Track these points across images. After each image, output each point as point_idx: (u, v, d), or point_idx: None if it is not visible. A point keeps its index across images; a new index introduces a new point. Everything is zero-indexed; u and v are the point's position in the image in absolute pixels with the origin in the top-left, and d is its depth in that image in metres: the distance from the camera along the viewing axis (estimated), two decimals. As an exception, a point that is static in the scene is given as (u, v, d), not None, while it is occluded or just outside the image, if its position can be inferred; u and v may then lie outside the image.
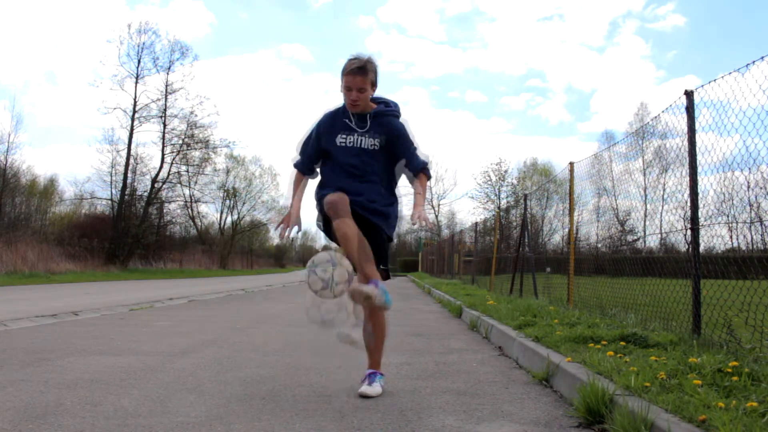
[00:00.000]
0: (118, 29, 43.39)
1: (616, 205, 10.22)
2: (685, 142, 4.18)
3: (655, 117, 5.10)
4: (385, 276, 3.06)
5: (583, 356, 3.31)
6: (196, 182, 38.41)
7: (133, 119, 31.86)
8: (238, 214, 51.45)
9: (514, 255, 10.03)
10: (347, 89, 3.01)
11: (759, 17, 57.85)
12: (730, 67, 5.20)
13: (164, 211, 35.80)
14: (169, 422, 2.44)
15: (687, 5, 65.98)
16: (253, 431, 2.35)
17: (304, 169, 3.23)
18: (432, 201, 52.43)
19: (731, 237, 4.68)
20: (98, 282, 19.09)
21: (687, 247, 4.28)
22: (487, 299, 7.98)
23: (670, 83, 63.87)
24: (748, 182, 4.08)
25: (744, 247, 5.01)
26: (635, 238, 9.03)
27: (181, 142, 34.72)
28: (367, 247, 2.88)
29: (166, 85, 33.16)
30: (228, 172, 47.42)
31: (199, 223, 47.33)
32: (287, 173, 3.36)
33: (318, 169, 3.24)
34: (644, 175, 23.55)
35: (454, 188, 70.15)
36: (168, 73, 33.09)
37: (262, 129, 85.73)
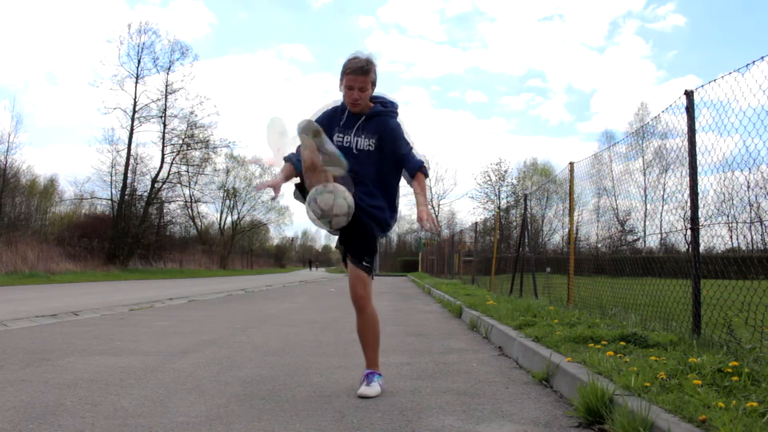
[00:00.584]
0: (118, 29, 43.46)
1: (616, 205, 10.22)
2: (685, 142, 4.18)
3: (655, 117, 5.10)
4: (368, 272, 3.08)
5: (583, 356, 3.31)
6: (196, 182, 38.44)
7: (133, 119, 31.88)
8: (238, 214, 51.46)
9: (514, 255, 10.03)
10: (348, 88, 3.01)
11: (759, 17, 57.89)
12: (730, 67, 5.20)
13: (164, 211, 35.82)
14: (169, 422, 2.44)
15: (687, 5, 66.03)
16: (253, 431, 2.35)
17: (294, 161, 3.12)
18: (432, 201, 52.46)
19: (731, 237, 4.69)
20: (98, 282, 19.09)
21: (687, 247, 4.28)
22: (487, 299, 7.98)
23: (670, 83, 63.97)
24: (748, 182, 4.08)
25: (744, 247, 5.01)
26: (635, 238, 9.04)
27: (181, 142, 34.74)
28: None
29: (166, 85, 33.19)
30: (228, 172, 47.44)
31: (199, 223, 47.35)
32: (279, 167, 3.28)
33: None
34: (644, 175, 23.55)
35: (454, 188, 70.16)
36: (168, 73, 33.13)
37: (262, 129, 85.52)
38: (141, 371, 3.54)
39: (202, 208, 45.41)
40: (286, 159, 3.16)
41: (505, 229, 14.05)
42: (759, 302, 3.36)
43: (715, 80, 3.79)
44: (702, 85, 3.99)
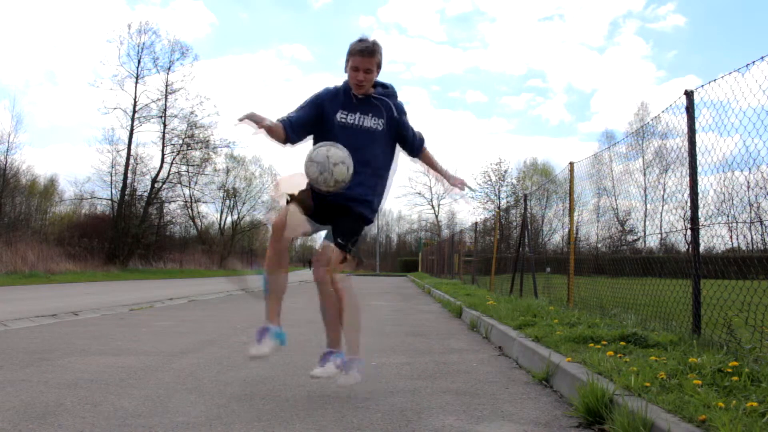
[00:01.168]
0: (118, 29, 43.33)
1: (616, 205, 10.23)
2: (685, 142, 4.18)
3: (656, 117, 5.10)
4: (344, 254, 3.03)
5: (583, 356, 3.31)
6: (196, 182, 38.43)
7: (133, 119, 31.89)
8: (238, 214, 51.44)
9: (514, 255, 10.03)
10: (354, 69, 2.99)
11: (759, 17, 57.89)
12: (730, 67, 5.20)
13: (164, 211, 35.82)
14: (169, 422, 2.44)
15: (687, 5, 66.02)
16: (253, 431, 2.35)
17: (291, 128, 2.99)
18: (432, 201, 52.47)
19: (731, 237, 4.69)
20: (98, 282, 19.09)
21: (687, 247, 4.28)
22: (487, 299, 7.98)
23: (670, 83, 63.89)
24: (748, 182, 4.08)
25: (744, 247, 5.02)
26: (635, 238, 9.04)
27: (181, 142, 34.74)
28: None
29: (166, 85, 33.20)
30: (228, 172, 47.43)
31: (199, 223, 47.34)
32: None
33: (300, 142, 3.09)
34: (644, 175, 23.57)
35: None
36: (168, 73, 33.14)
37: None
38: (141, 371, 3.54)
39: (202, 208, 45.40)
40: (280, 121, 3.01)
41: (505, 229, 14.05)
42: (759, 302, 3.36)
43: (715, 80, 3.79)
44: (702, 85, 4.00)
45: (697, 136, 4.09)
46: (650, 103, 40.13)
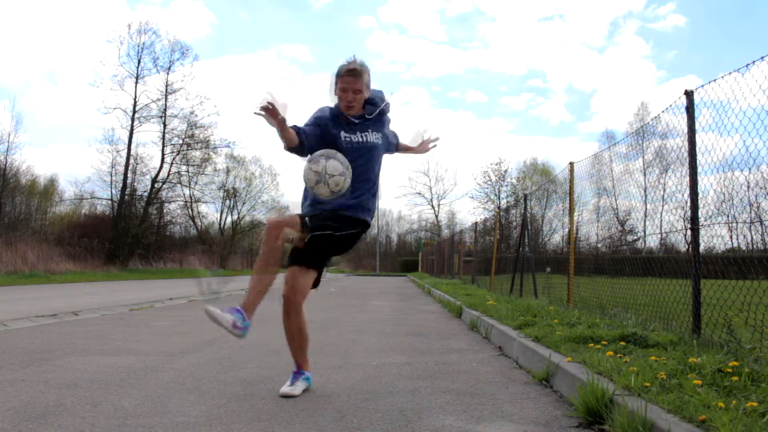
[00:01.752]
0: (118, 29, 43.20)
1: (616, 205, 10.22)
2: (685, 142, 4.18)
3: (656, 117, 5.10)
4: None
5: (583, 356, 3.31)
6: (196, 182, 38.43)
7: (133, 119, 31.88)
8: (238, 214, 51.45)
9: (514, 255, 10.03)
10: (343, 91, 3.04)
11: (759, 17, 57.84)
12: (730, 67, 5.21)
13: (164, 211, 35.80)
14: (169, 422, 2.44)
15: (687, 5, 65.93)
16: (253, 431, 2.35)
17: (306, 137, 2.99)
18: (432, 201, 52.46)
19: (731, 237, 4.69)
20: (98, 282, 19.09)
21: (687, 247, 4.28)
22: (487, 299, 7.98)
23: (670, 83, 63.79)
24: (748, 182, 4.08)
25: (744, 247, 5.02)
26: (635, 238, 9.04)
27: (181, 142, 34.73)
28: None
29: (166, 85, 33.17)
30: (228, 172, 47.44)
31: (199, 223, 47.34)
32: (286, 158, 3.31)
33: (307, 156, 3.06)
34: (644, 175, 23.53)
35: (454, 188, 69.97)
36: (168, 73, 33.11)
37: (262, 129, 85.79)
38: (141, 371, 3.54)
39: (202, 208, 45.40)
40: (294, 127, 3.00)
41: (505, 229, 14.05)
42: (759, 302, 3.36)
43: (715, 80, 3.79)
44: (702, 85, 4.00)
45: (697, 136, 4.10)
46: (650, 103, 40.13)
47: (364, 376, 3.48)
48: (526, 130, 72.12)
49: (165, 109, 33.31)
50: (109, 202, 32.73)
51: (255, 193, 50.24)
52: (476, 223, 18.20)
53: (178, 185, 36.48)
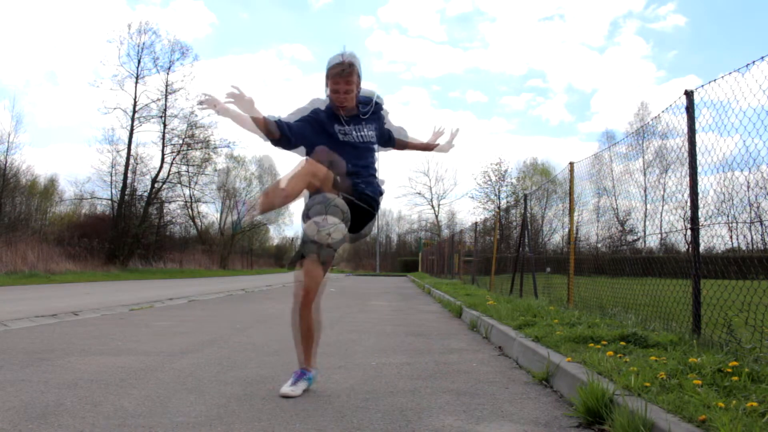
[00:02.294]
0: (118, 29, 43.06)
1: (616, 205, 10.22)
2: (685, 142, 4.18)
3: (656, 117, 5.10)
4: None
5: (583, 356, 3.31)
6: (196, 182, 38.43)
7: (133, 119, 31.86)
8: (239, 214, 51.43)
9: (514, 255, 10.03)
10: (334, 92, 3.04)
11: (759, 17, 57.86)
12: (730, 67, 5.21)
13: (164, 211, 35.79)
14: (169, 422, 2.44)
15: (687, 5, 65.94)
16: (253, 431, 2.35)
17: (289, 131, 3.00)
18: (432, 201, 52.49)
19: (731, 237, 4.69)
20: (98, 282, 19.09)
21: (687, 247, 4.28)
22: (487, 299, 7.98)
23: (670, 83, 63.82)
24: (748, 182, 4.08)
25: (744, 247, 5.02)
26: (635, 238, 9.04)
27: (181, 142, 34.73)
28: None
29: (167, 85, 33.15)
30: (228, 172, 47.47)
31: (199, 223, 47.36)
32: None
33: (294, 148, 3.11)
34: (644, 175, 23.56)
35: (454, 188, 69.99)
36: (168, 73, 33.08)
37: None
38: (141, 371, 3.54)
39: (202, 208, 45.43)
40: (275, 120, 3.00)
41: (505, 229, 14.05)
42: (759, 302, 3.36)
43: (715, 80, 3.79)
44: (702, 85, 4.00)
45: (697, 136, 4.10)
46: (650, 103, 40.14)
47: (364, 376, 3.48)
48: (526, 130, 72.13)
49: (165, 109, 33.31)
50: (109, 202, 32.74)
51: (255, 193, 50.26)
52: (476, 223, 18.20)
53: (178, 185, 36.50)
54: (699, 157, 4.05)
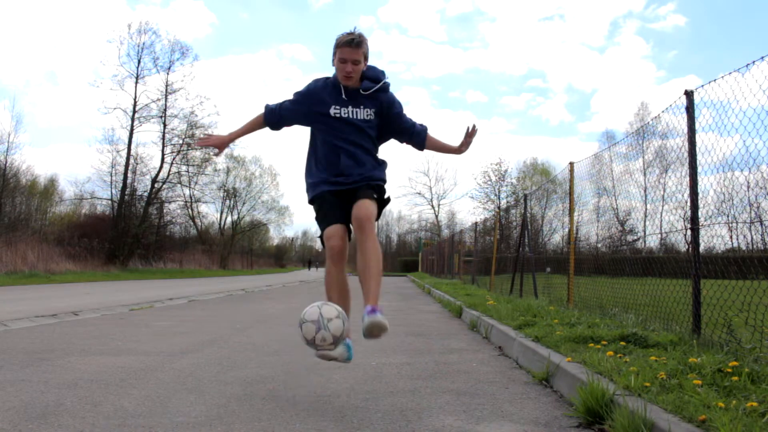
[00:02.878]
0: (118, 29, 43.13)
1: (616, 205, 10.22)
2: (685, 142, 4.18)
3: (656, 117, 5.10)
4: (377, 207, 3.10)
5: (583, 356, 3.31)
6: (196, 182, 38.45)
7: (133, 119, 31.89)
8: (238, 214, 51.49)
9: (514, 255, 10.03)
10: (341, 61, 3.03)
11: (759, 17, 57.90)
12: (730, 67, 5.21)
13: (164, 211, 35.81)
14: (169, 422, 2.44)
15: (687, 5, 66.03)
16: (253, 431, 2.35)
17: (273, 115, 3.21)
18: (432, 201, 52.49)
19: (731, 237, 4.69)
20: (98, 282, 19.09)
21: (687, 247, 4.28)
22: (487, 299, 7.98)
23: (670, 83, 63.95)
24: (748, 182, 4.08)
25: (744, 247, 5.02)
26: (635, 238, 9.04)
27: (181, 142, 34.74)
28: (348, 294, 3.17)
29: (167, 85, 33.21)
30: (228, 172, 47.49)
31: (199, 223, 47.36)
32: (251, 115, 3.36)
33: (282, 127, 3.27)
34: (644, 175, 23.58)
35: (454, 188, 70.08)
36: (168, 73, 33.15)
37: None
38: (141, 371, 3.54)
39: (202, 208, 45.47)
40: (267, 106, 3.24)
41: (505, 229, 14.05)
42: (759, 302, 3.36)
43: (715, 80, 3.79)
44: (702, 85, 4.00)
45: (697, 136, 4.09)
46: (650, 103, 40.20)
47: (364, 376, 3.48)
48: (526, 130, 72.19)
49: (165, 109, 33.36)
50: (109, 202, 32.76)
51: (255, 193, 50.32)
52: (476, 223, 18.20)
53: (178, 185, 36.52)
54: (699, 157, 4.05)
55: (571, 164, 7.14)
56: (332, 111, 3.08)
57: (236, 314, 7.73)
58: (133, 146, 32.05)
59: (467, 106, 79.18)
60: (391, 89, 3.23)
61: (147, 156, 36.04)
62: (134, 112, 31.92)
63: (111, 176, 32.25)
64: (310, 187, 3.19)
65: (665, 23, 66.66)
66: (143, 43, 32.30)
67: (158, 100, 33.03)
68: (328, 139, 3.11)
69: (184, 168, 35.69)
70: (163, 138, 33.75)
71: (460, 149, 3.42)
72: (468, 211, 59.53)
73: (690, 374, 2.74)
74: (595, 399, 2.46)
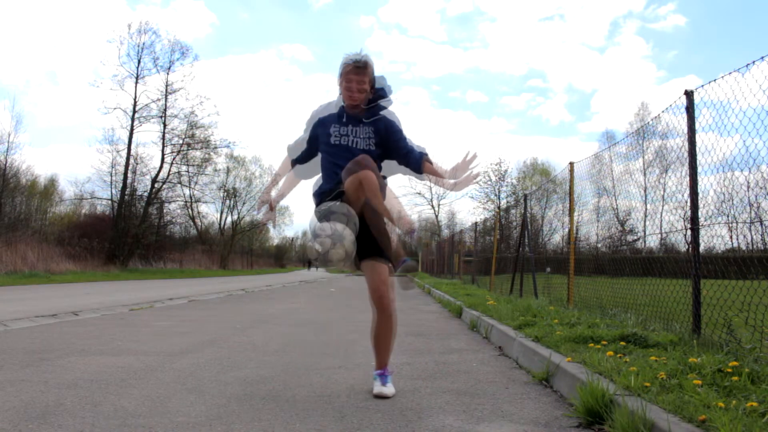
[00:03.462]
0: (118, 29, 43.01)
1: (616, 205, 10.22)
2: (685, 142, 4.18)
3: (656, 117, 5.10)
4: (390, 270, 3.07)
5: (583, 356, 3.31)
6: (196, 182, 38.43)
7: (133, 119, 31.86)
8: (238, 214, 51.49)
9: (514, 255, 10.03)
10: (347, 87, 3.03)
11: (759, 17, 57.90)
12: (730, 67, 5.21)
13: (164, 211, 35.79)
14: (169, 422, 2.44)
15: (687, 5, 66.05)
16: (253, 431, 2.35)
17: (295, 162, 3.37)
18: (432, 201, 52.49)
19: (731, 237, 4.68)
20: (98, 282, 19.09)
21: (687, 247, 4.28)
22: (487, 299, 7.98)
23: (670, 83, 63.96)
24: (748, 182, 4.08)
25: (744, 247, 5.01)
26: (635, 238, 9.04)
27: (181, 142, 34.73)
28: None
29: (167, 85, 33.16)
30: (228, 172, 47.49)
31: (199, 223, 47.36)
32: (282, 161, 3.49)
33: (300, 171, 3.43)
34: (644, 175, 23.59)
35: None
36: (168, 73, 33.10)
37: (262, 129, 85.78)
38: (141, 371, 3.54)
39: (203, 208, 45.45)
40: (294, 161, 3.35)
41: (505, 229, 14.05)
42: (759, 302, 3.36)
43: (715, 80, 3.79)
44: (702, 85, 4.00)
45: (697, 136, 4.09)
46: (650, 103, 40.13)
47: (364, 376, 3.48)
48: (526, 130, 72.20)
49: (165, 109, 33.32)
50: (109, 202, 32.74)
51: (255, 193, 50.27)
52: (476, 223, 18.20)
53: (178, 185, 36.51)
54: (699, 157, 4.05)
55: (571, 164, 7.14)
56: (332, 136, 3.08)
57: (236, 314, 7.73)
58: (133, 146, 32.05)
59: (467, 106, 79.25)
60: (391, 88, 3.22)
61: (147, 156, 36.05)
62: (134, 112, 31.90)
63: (111, 176, 32.25)
64: (316, 195, 3.18)
65: (665, 23, 66.71)
66: (143, 43, 32.28)
67: (158, 100, 33.02)
68: (331, 160, 3.10)
69: (184, 168, 35.68)
70: (163, 138, 33.74)
71: (454, 187, 3.24)
72: (468, 211, 59.58)
73: (690, 374, 2.74)
74: (595, 399, 2.46)
